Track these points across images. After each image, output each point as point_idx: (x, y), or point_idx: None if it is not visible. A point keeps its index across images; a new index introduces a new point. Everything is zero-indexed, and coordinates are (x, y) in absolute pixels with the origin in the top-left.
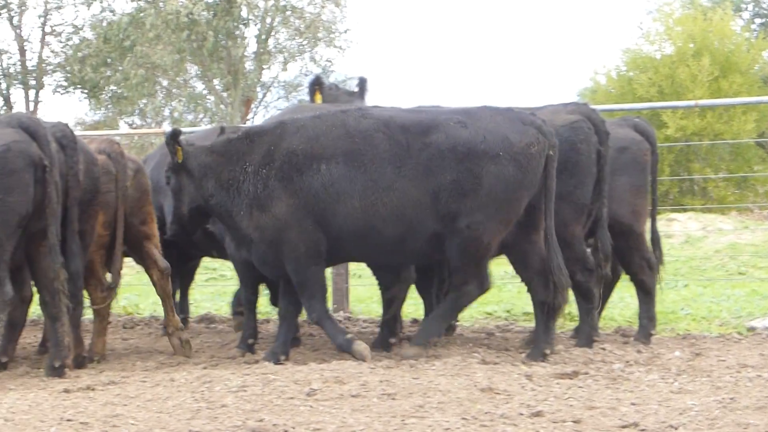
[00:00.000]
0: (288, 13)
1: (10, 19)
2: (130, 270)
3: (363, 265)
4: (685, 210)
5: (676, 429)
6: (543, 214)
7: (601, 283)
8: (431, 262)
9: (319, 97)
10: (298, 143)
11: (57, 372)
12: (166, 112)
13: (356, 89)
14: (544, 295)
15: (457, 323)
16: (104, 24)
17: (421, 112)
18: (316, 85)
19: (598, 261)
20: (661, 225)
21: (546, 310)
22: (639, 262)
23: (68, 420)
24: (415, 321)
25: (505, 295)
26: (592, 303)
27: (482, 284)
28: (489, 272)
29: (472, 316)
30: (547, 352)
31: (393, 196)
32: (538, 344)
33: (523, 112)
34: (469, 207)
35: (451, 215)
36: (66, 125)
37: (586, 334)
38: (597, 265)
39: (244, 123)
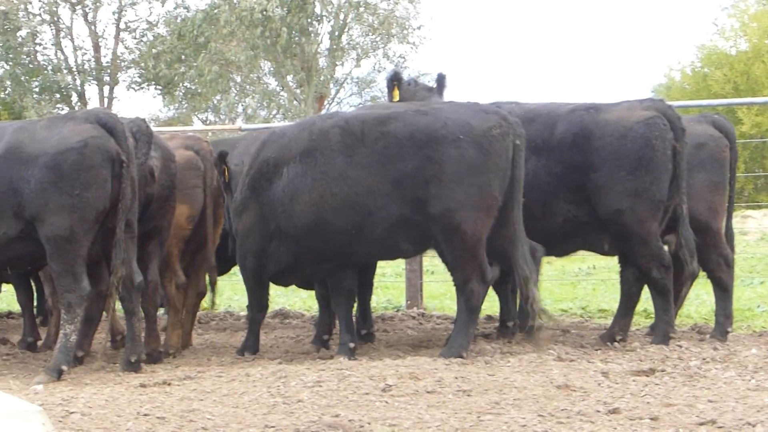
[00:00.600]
0: (362, 9)
1: (85, 15)
2: None
3: (437, 261)
4: (760, 207)
5: (753, 426)
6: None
7: (689, 280)
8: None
9: (397, 93)
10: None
11: (133, 367)
12: (240, 109)
13: (434, 85)
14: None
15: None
16: (178, 20)
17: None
18: (395, 80)
19: (684, 258)
20: (736, 222)
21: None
22: (716, 259)
23: (145, 415)
24: (489, 317)
25: (579, 291)
26: (668, 300)
27: (484, 277)
28: (487, 264)
29: None
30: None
31: (344, 185)
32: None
33: (488, 105)
34: (436, 193)
35: (420, 202)
36: (143, 121)
37: (662, 331)
38: (684, 262)
39: None
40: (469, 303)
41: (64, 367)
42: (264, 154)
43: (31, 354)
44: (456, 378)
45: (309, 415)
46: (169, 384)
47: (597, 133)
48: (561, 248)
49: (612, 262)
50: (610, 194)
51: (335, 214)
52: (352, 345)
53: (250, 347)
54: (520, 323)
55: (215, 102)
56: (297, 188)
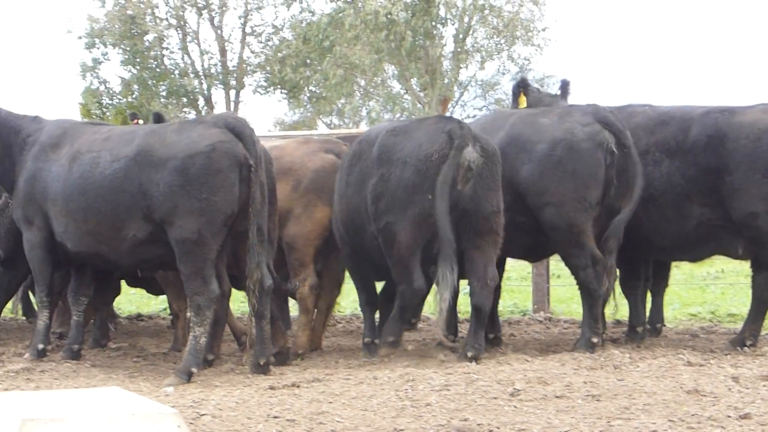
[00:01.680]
0: (486, 11)
1: (212, 19)
2: None
3: (562, 265)
4: None
5: None
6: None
7: None
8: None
9: (524, 100)
10: None
11: (262, 369)
12: (364, 112)
13: (558, 92)
14: (477, 299)
15: (664, 325)
16: (304, 24)
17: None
18: (522, 87)
19: None
20: None
21: (477, 313)
22: None
23: (275, 417)
24: (618, 322)
25: (708, 296)
26: None
27: (412, 285)
28: (421, 275)
29: (675, 317)
30: (470, 354)
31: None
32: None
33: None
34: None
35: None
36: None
37: None
38: None
39: None
40: (398, 303)
41: (194, 370)
42: None
43: (160, 356)
44: (585, 383)
45: (437, 418)
46: (298, 386)
47: (731, 135)
48: (695, 252)
49: (741, 266)
50: (744, 197)
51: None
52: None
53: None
54: (649, 328)
55: (339, 105)
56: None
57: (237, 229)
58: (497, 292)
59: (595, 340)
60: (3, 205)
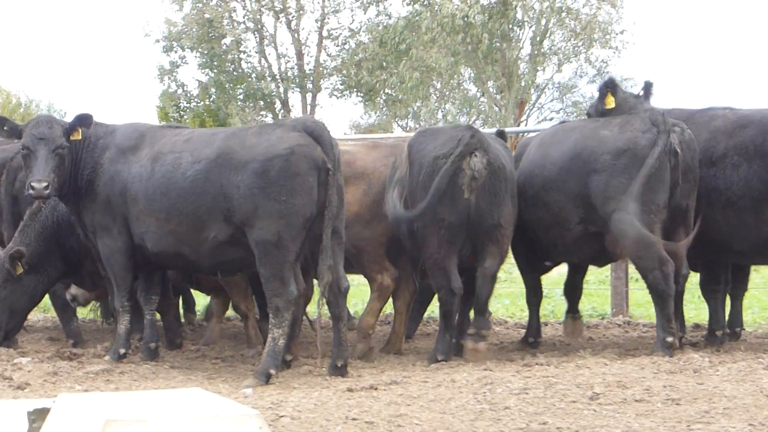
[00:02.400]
0: (563, 14)
1: (289, 23)
2: None
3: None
4: None
5: None
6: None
7: None
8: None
9: (611, 100)
10: None
11: (340, 371)
12: (439, 115)
13: (641, 92)
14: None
15: (743, 329)
16: (380, 28)
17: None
18: (609, 87)
19: None
20: None
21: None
22: None
23: (353, 419)
24: (696, 326)
25: None
26: None
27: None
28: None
29: (755, 321)
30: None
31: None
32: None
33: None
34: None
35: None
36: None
37: None
38: None
39: (518, 125)
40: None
41: (273, 371)
42: None
43: (238, 358)
44: (664, 387)
45: (516, 422)
46: (375, 389)
47: None
48: None
49: None
50: None
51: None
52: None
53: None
54: (729, 332)
55: (415, 108)
56: None
57: (315, 232)
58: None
59: (669, 339)
60: (36, 209)
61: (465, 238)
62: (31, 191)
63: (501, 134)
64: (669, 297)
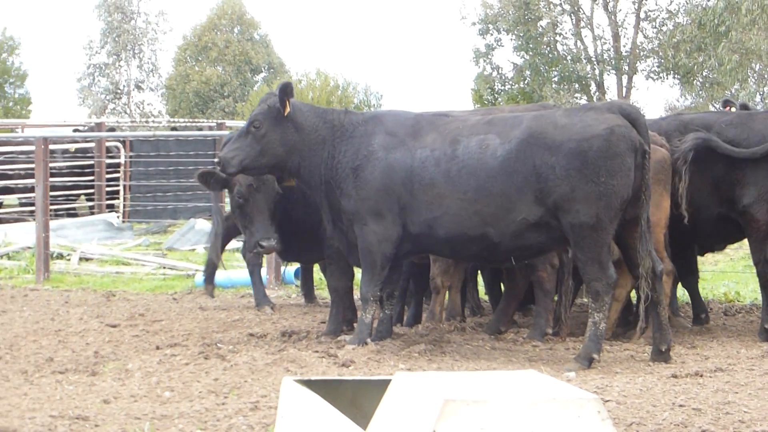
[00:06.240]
0: None
1: (606, 5)
2: (724, 257)
3: None
4: None
5: None
6: None
7: None
8: None
9: None
10: None
11: (663, 356)
12: (758, 98)
13: None
14: None
15: None
16: (699, 9)
17: None
18: None
19: None
20: None
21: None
22: None
23: (680, 405)
24: None
25: None
26: None
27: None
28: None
29: None
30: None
31: None
32: None
33: None
34: None
35: None
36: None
37: None
38: None
39: None
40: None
41: (595, 356)
42: None
43: (558, 341)
44: None
45: None
46: (701, 375)
47: None
48: None
49: None
50: None
51: None
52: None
53: None
54: None
55: (733, 91)
56: None
57: (624, 217)
58: None
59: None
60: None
61: None
62: None
63: None
64: None
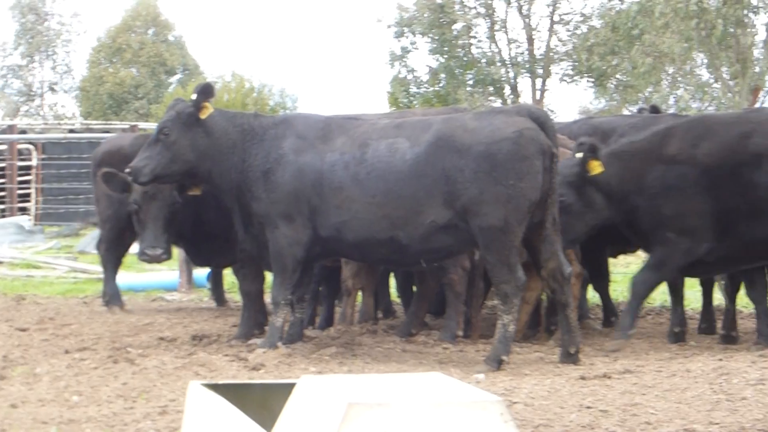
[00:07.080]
0: None
1: (520, 8)
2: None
3: None
4: None
5: None
6: None
7: None
8: None
9: None
10: None
11: (572, 358)
12: (671, 101)
13: None
14: None
15: None
16: (613, 12)
17: None
18: None
19: None
20: None
21: None
22: None
23: (587, 407)
24: None
25: None
26: None
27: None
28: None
29: None
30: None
31: None
32: None
33: None
34: None
35: None
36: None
37: None
38: None
39: None
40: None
41: (504, 358)
42: None
43: (470, 343)
44: None
45: (753, 413)
46: (609, 377)
47: None
48: None
49: None
50: None
51: None
52: None
53: None
54: None
55: (647, 94)
56: None
57: (532, 220)
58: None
59: None
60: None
61: None
62: None
63: None
64: None
